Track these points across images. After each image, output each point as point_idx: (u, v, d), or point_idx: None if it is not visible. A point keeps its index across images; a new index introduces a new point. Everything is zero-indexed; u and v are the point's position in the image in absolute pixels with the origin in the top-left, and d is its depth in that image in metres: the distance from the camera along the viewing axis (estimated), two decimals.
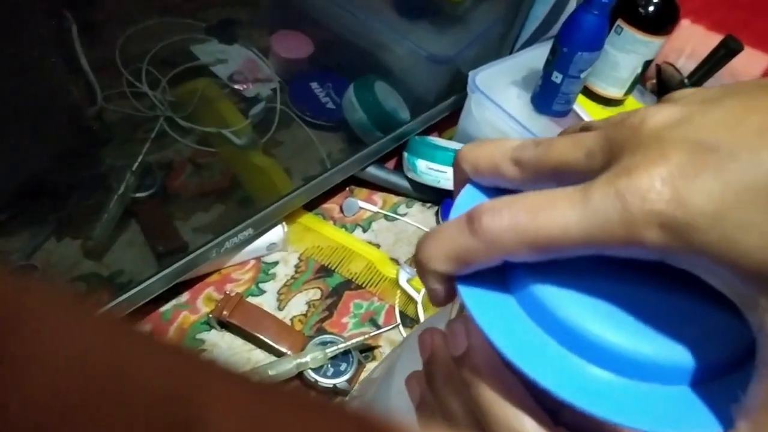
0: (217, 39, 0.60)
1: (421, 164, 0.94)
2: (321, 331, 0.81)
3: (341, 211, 0.97)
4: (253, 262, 0.87)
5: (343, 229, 0.94)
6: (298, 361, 0.73)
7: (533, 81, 0.96)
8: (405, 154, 0.98)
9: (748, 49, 1.02)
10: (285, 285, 0.85)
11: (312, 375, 0.74)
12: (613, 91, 0.99)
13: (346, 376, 0.74)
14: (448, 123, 1.09)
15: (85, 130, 0.58)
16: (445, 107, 1.05)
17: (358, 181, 1.00)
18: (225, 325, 0.78)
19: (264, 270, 0.86)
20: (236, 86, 0.68)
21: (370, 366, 0.78)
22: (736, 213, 0.18)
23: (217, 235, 0.76)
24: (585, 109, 0.99)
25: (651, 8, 0.89)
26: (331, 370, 0.75)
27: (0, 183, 0.53)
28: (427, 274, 0.23)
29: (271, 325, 0.78)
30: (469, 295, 0.23)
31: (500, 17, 1.05)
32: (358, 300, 0.86)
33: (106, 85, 0.55)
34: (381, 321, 0.84)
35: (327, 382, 0.74)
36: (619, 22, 0.91)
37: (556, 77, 0.90)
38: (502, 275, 0.23)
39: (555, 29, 0.98)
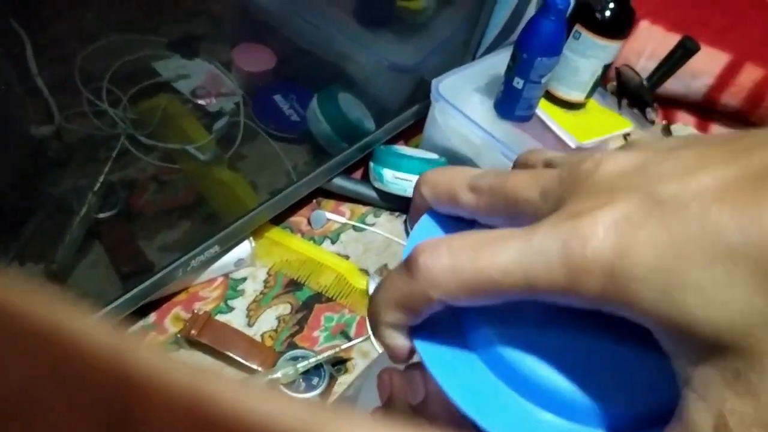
0: (179, 54, 0.59)
1: (388, 173, 0.94)
2: (292, 346, 0.80)
3: (309, 223, 0.96)
4: (221, 279, 0.85)
5: (312, 242, 0.93)
6: (270, 377, 0.72)
7: (496, 87, 0.97)
8: (371, 164, 0.97)
9: (706, 48, 1.05)
10: (254, 301, 0.84)
11: (284, 391, 0.73)
12: (575, 95, 1.00)
13: (318, 390, 0.73)
14: (413, 131, 1.09)
15: (42, 151, 0.57)
16: (409, 115, 1.05)
17: (325, 193, 0.99)
18: (194, 344, 0.76)
19: (232, 286, 0.85)
20: (199, 101, 0.67)
21: (343, 379, 0.78)
22: (677, 268, 0.17)
23: (183, 254, 0.75)
24: (548, 114, 1.00)
25: (607, 13, 0.91)
26: (303, 384, 0.74)
27: None
28: (380, 328, 0.23)
29: (240, 342, 0.76)
30: (422, 345, 0.22)
31: (461, 25, 1.05)
32: (329, 313, 0.85)
33: (64, 104, 0.53)
34: (352, 333, 0.83)
35: (299, 397, 0.73)
36: (577, 27, 0.93)
37: (518, 83, 0.91)
38: (457, 323, 0.23)
39: (515, 35, 0.99)
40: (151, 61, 0.58)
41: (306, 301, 0.86)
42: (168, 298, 0.81)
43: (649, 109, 1.07)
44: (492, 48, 1.09)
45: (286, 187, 0.86)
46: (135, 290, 0.70)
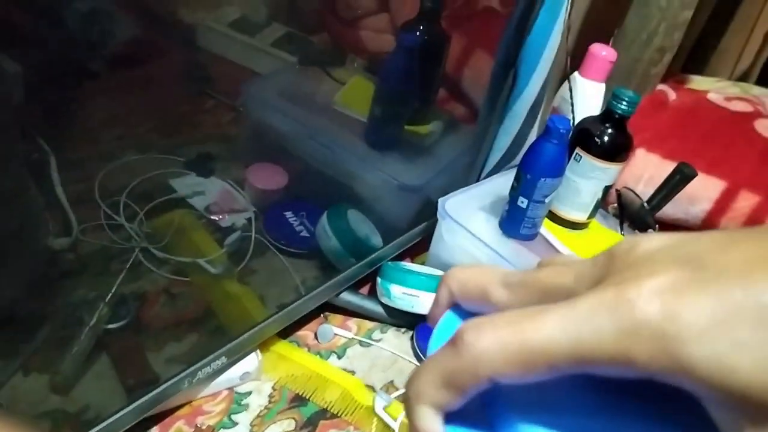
0: (195, 172, 0.63)
1: (395, 289, 0.95)
2: None
3: (316, 338, 0.96)
4: (225, 392, 0.85)
5: (318, 356, 0.93)
6: None
7: (500, 206, 1.00)
8: (379, 280, 0.99)
9: (702, 176, 1.08)
10: (258, 416, 0.83)
11: None
12: (577, 215, 1.03)
13: None
14: (419, 248, 1.11)
15: (59, 262, 0.59)
16: (416, 233, 1.08)
17: (332, 308, 1.00)
18: None
19: (237, 400, 0.84)
20: (212, 217, 0.70)
21: None
22: (727, 330, 0.17)
23: (190, 365, 0.75)
24: (552, 233, 1.02)
25: (606, 138, 0.95)
26: None
27: None
28: (421, 409, 0.22)
29: None
30: None
31: (466, 148, 1.10)
32: (334, 430, 0.84)
33: (83, 217, 0.56)
34: None
35: None
36: (578, 150, 0.97)
37: (522, 202, 0.94)
38: (484, 416, 0.23)
39: (518, 159, 1.03)
40: (168, 178, 0.62)
41: (311, 417, 0.85)
42: (171, 411, 0.80)
43: (651, 231, 1.09)
44: (496, 170, 1.13)
45: (294, 301, 0.87)
46: (139, 401, 0.70)
